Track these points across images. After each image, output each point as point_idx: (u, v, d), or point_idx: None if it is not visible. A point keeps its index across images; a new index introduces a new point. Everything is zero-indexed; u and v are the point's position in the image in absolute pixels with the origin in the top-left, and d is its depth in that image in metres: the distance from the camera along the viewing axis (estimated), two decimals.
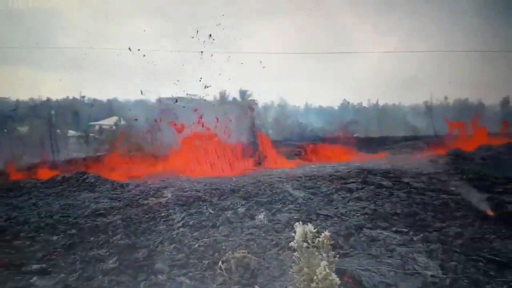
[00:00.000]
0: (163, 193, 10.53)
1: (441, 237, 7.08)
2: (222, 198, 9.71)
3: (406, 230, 7.43)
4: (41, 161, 18.99)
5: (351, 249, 6.76)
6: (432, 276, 5.80)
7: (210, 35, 18.37)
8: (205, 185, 11.43)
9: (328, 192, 10.04)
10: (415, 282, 5.67)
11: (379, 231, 7.39)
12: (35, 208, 9.81)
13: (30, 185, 12.63)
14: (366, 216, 8.23)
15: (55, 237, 7.62)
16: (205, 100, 18.60)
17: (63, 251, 7.00)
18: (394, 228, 7.52)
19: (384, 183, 10.65)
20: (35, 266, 6.44)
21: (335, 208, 8.82)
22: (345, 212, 8.53)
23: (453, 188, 10.00)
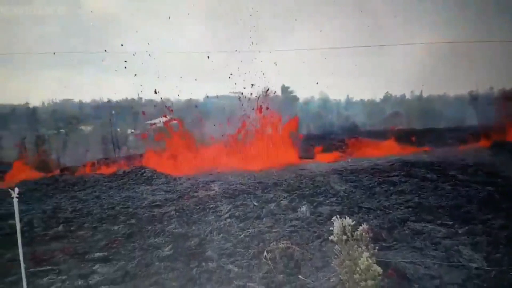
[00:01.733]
0: (211, 186, 10.77)
1: (486, 230, 6.71)
2: (265, 191, 9.77)
3: (451, 223, 7.10)
4: (104, 157, 20.05)
5: (394, 242, 6.58)
6: (476, 268, 5.53)
7: (251, 31, 18.34)
8: (249, 178, 11.55)
9: (370, 185, 9.80)
10: (460, 274, 5.42)
11: (423, 224, 7.12)
12: (98, 201, 10.36)
13: (93, 179, 13.33)
14: (410, 209, 7.95)
15: (116, 227, 8.01)
16: (247, 97, 18.69)
17: (123, 239, 7.35)
18: (438, 221, 7.22)
19: (429, 176, 10.21)
20: (97, 254, 6.79)
21: (378, 201, 8.60)
22: (388, 205, 8.29)
23: (499, 180, 9.40)
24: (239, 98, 18.69)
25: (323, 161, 15.89)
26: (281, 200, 8.86)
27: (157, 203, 9.58)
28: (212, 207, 8.75)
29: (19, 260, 4.45)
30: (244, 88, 18.52)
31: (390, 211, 7.87)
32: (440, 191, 8.93)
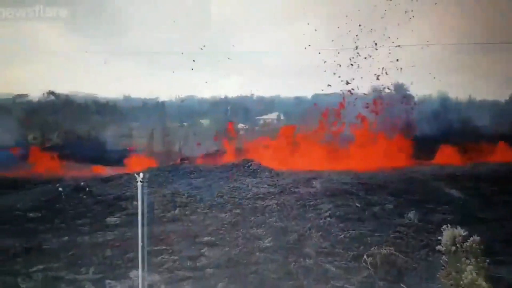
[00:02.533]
0: (312, 183, 10.62)
1: None
2: (369, 192, 9.26)
3: None
4: (218, 149, 21.44)
5: (509, 256, 5.68)
6: None
7: (365, 28, 17.34)
8: (352, 178, 11.07)
9: (489, 194, 8.60)
10: None
11: None
12: (209, 189, 11.01)
13: (207, 169, 14.23)
14: None
15: (223, 215, 8.44)
16: (358, 95, 17.92)
17: (229, 227, 7.73)
18: None
19: None
20: (206, 239, 7.25)
21: (496, 212, 7.51)
22: (507, 216, 7.18)
23: None
24: (348, 95, 18.03)
25: (437, 164, 14.39)
26: (386, 203, 8.32)
27: (260, 195, 9.83)
28: (312, 204, 8.66)
29: (138, 239, 4.93)
30: (357, 86, 17.83)
31: (508, 223, 6.81)
32: None
